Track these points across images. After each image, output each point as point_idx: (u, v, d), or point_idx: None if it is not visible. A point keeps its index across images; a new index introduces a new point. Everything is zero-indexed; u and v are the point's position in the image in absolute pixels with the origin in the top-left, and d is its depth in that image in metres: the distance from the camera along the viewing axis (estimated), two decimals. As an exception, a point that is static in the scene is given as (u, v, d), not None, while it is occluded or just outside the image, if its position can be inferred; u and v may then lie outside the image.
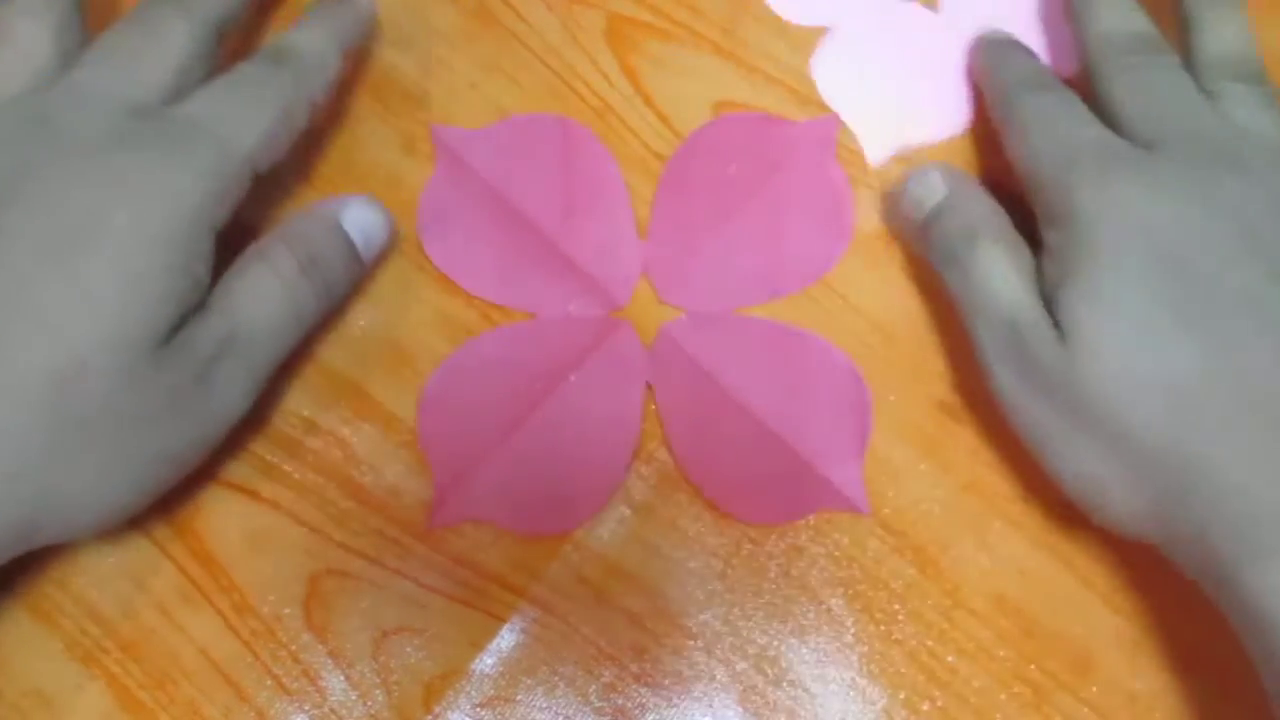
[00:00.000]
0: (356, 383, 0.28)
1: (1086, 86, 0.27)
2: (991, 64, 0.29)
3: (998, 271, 0.25)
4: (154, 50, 0.25)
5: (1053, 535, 0.28)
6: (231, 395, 0.25)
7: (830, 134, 0.31)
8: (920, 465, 0.28)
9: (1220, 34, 0.27)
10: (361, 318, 0.29)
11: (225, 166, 0.24)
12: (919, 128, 0.31)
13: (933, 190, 0.27)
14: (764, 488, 0.28)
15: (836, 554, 0.27)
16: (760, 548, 0.27)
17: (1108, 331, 0.23)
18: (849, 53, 0.31)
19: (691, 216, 0.30)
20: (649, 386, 0.28)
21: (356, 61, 0.30)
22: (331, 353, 0.28)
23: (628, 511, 0.28)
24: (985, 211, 0.26)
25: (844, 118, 0.31)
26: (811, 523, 0.28)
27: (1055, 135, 0.26)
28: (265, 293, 0.25)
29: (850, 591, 0.27)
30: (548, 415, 0.28)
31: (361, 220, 0.27)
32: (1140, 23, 0.27)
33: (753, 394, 0.28)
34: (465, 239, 0.29)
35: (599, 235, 0.29)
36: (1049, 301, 0.24)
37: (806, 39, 0.32)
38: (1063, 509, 0.28)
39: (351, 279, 0.27)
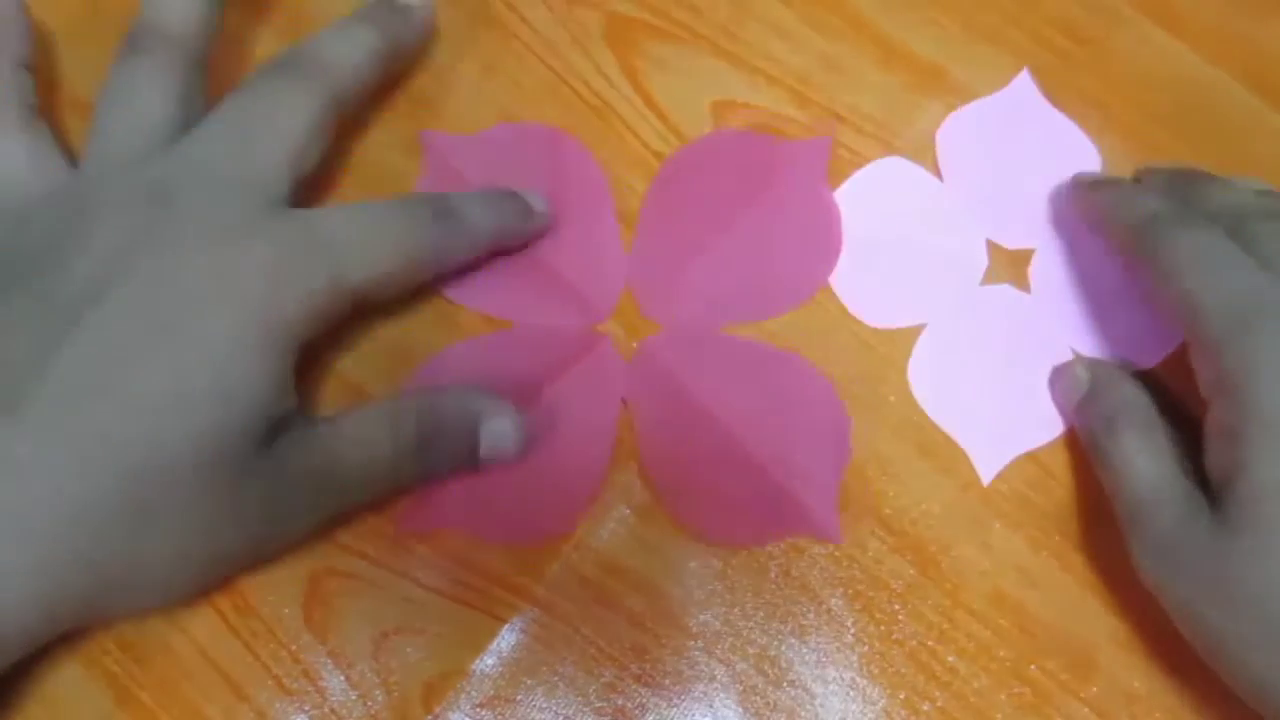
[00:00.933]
0: (356, 383, 0.28)
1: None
2: (1114, 200, 0.27)
3: (1136, 457, 0.24)
4: (275, 129, 0.25)
5: (1053, 535, 0.28)
6: (304, 521, 0.25)
7: (823, 155, 0.30)
8: (920, 465, 0.28)
9: None
10: (362, 317, 0.29)
11: (334, 293, 0.24)
12: (1030, 431, 0.29)
13: (1078, 384, 0.27)
14: (735, 509, 0.27)
15: (836, 554, 0.27)
16: (760, 548, 0.27)
17: None
18: (945, 355, 0.29)
19: (678, 232, 0.30)
20: (624, 403, 0.28)
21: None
22: (332, 353, 0.28)
23: (628, 511, 0.28)
24: (1125, 397, 0.26)
25: (950, 432, 0.28)
26: (811, 523, 0.28)
27: (1219, 284, 0.23)
28: (375, 453, 0.24)
29: (850, 591, 0.27)
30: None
31: (498, 433, 0.26)
32: (1259, 185, 0.26)
33: (730, 414, 0.28)
34: None
35: (583, 247, 0.29)
36: (1219, 485, 0.22)
37: (808, 38, 0.32)
38: (1062, 509, 0.28)
39: (455, 472, 0.26)
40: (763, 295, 0.29)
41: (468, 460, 0.26)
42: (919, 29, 0.32)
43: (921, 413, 0.29)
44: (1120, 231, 0.26)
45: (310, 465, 0.24)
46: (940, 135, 0.31)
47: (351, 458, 0.24)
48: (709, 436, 0.28)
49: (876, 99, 0.31)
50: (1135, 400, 0.26)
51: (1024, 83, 0.32)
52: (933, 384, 0.29)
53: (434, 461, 0.26)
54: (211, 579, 0.25)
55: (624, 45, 0.32)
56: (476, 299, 0.29)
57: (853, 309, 0.29)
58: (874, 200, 0.30)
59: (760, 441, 0.28)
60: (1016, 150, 0.31)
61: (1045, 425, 0.29)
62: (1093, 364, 0.28)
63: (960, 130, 0.31)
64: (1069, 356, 0.29)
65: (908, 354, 0.29)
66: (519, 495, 0.27)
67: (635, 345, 0.29)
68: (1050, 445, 0.29)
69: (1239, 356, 0.22)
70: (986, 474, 0.28)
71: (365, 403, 0.26)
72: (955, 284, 0.30)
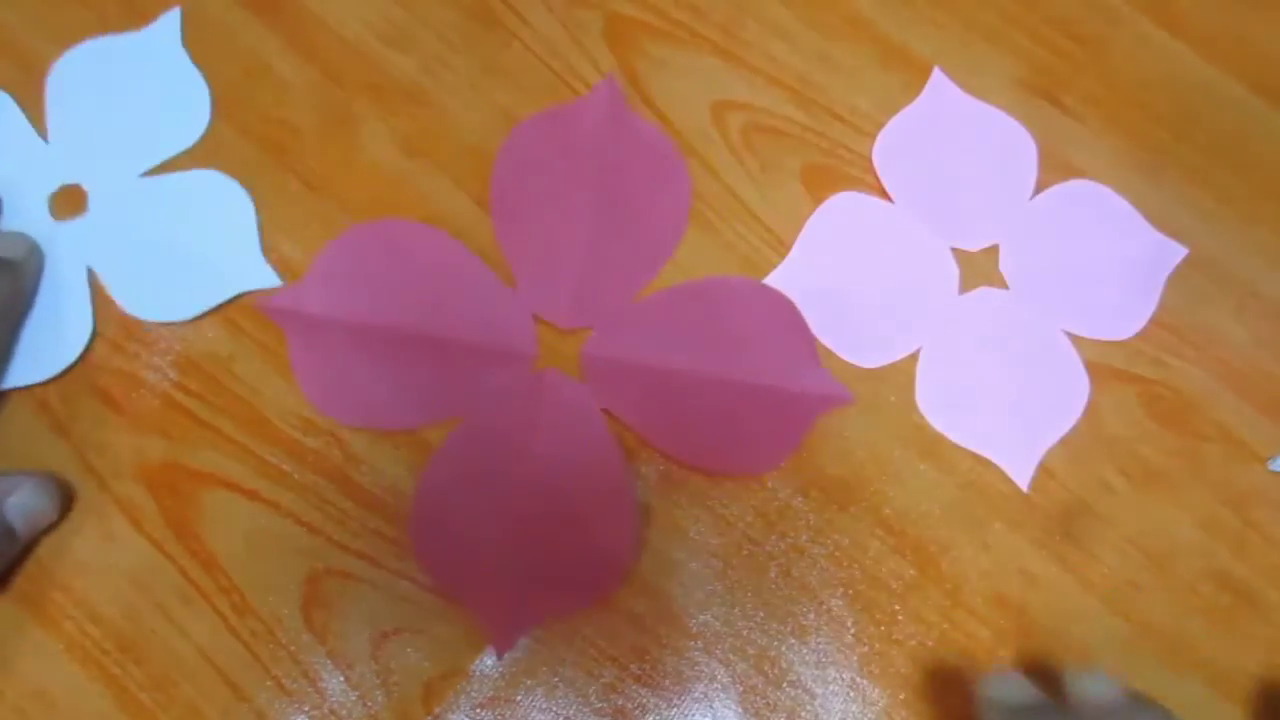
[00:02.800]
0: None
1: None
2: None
3: None
4: None
5: (1053, 535, 0.28)
6: None
7: (615, 91, 0.30)
8: (920, 465, 0.28)
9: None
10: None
11: None
12: (1049, 423, 0.29)
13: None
14: (758, 434, 0.28)
15: (836, 554, 0.27)
16: (760, 548, 0.27)
17: None
18: (948, 376, 0.29)
19: (542, 240, 0.29)
20: (605, 413, 0.28)
21: (357, 61, 0.31)
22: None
23: (628, 512, 0.28)
24: None
25: (977, 451, 0.28)
26: (812, 523, 0.28)
27: None
28: None
29: (850, 591, 0.27)
30: (536, 494, 0.27)
31: (25, 506, 0.25)
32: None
33: (694, 359, 0.28)
34: (358, 389, 0.28)
35: (477, 308, 0.28)
36: None
37: (808, 38, 0.32)
38: (1063, 509, 0.28)
39: (7, 561, 0.26)
40: (649, 245, 0.29)
41: (11, 544, 0.25)
42: (919, 29, 0.32)
43: (921, 414, 0.29)
44: None
45: None
46: (876, 156, 0.31)
47: None
48: (691, 390, 0.28)
49: (876, 99, 0.31)
50: None
51: (940, 81, 0.32)
52: (945, 409, 0.29)
53: None
54: None
55: (624, 45, 0.31)
56: (419, 416, 0.28)
57: (847, 357, 0.29)
58: (833, 244, 0.30)
59: (732, 365, 0.28)
60: (953, 150, 0.31)
61: (1061, 413, 0.29)
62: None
63: (894, 146, 0.31)
64: (1063, 340, 0.30)
65: (908, 360, 0.29)
66: (577, 551, 0.27)
67: (579, 358, 0.28)
68: (1051, 446, 0.29)
69: None
70: (1023, 481, 0.28)
71: None
72: (936, 302, 0.30)
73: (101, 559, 0.26)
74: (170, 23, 0.31)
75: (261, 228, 0.29)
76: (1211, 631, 0.28)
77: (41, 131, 0.29)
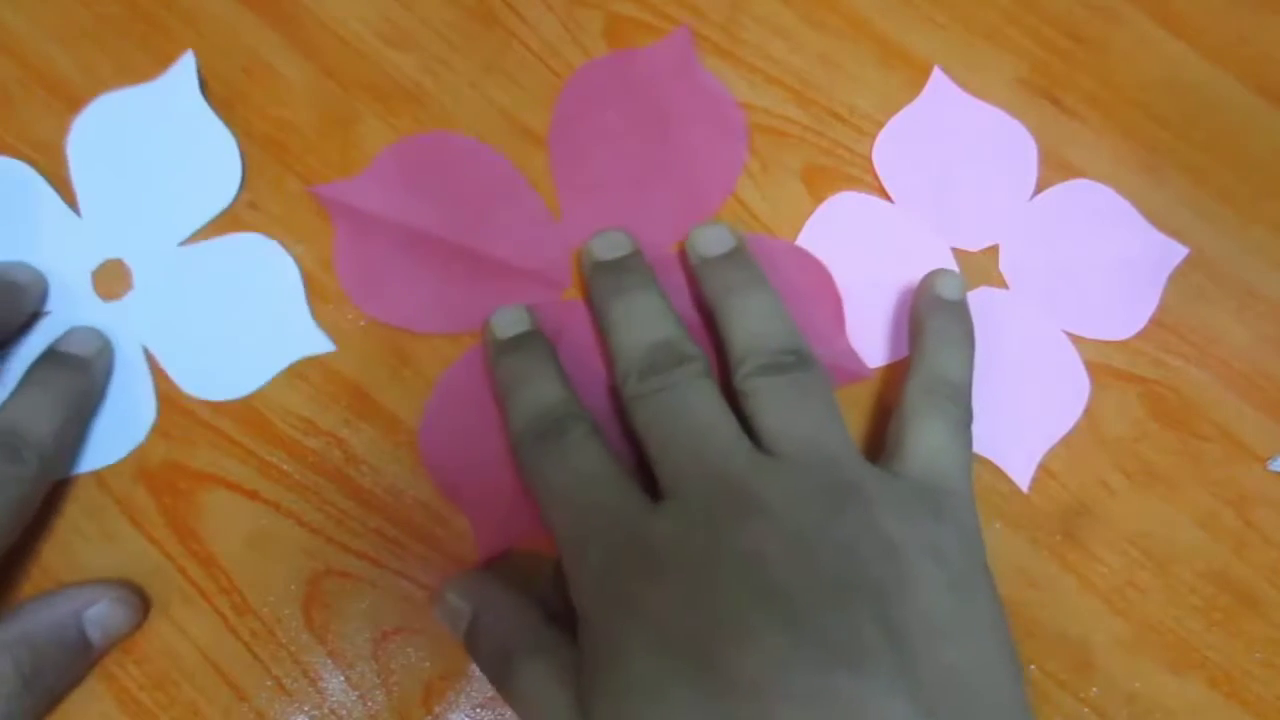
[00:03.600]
0: (356, 383, 0.28)
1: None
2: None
3: (540, 690, 0.23)
4: None
5: (1053, 535, 0.28)
6: None
7: (685, 43, 0.30)
8: (920, 465, 0.28)
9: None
10: (362, 317, 0.29)
11: None
12: (1049, 424, 0.29)
13: (458, 616, 0.25)
14: None
15: (836, 554, 0.27)
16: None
17: None
18: None
19: (593, 177, 0.30)
20: None
21: (357, 60, 0.31)
22: (332, 353, 0.28)
23: (628, 512, 0.28)
24: (513, 626, 0.24)
25: (979, 452, 0.28)
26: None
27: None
28: None
29: (850, 592, 0.27)
30: None
31: (103, 619, 0.25)
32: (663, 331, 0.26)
33: None
34: (396, 286, 0.28)
35: (518, 229, 0.29)
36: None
37: (808, 38, 0.32)
38: (1063, 509, 0.28)
39: (81, 675, 0.25)
40: (695, 197, 0.30)
41: (86, 658, 0.25)
42: (918, 28, 0.32)
43: (921, 413, 0.29)
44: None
45: None
46: (876, 156, 0.31)
47: None
48: (712, 347, 0.28)
49: (876, 98, 0.31)
50: (524, 626, 0.24)
51: (940, 81, 0.32)
52: None
53: (51, 688, 0.24)
54: None
55: (624, 45, 0.31)
56: (447, 323, 0.28)
57: None
58: (834, 244, 0.30)
59: None
60: (953, 150, 0.31)
61: (1062, 413, 0.29)
62: (468, 592, 0.25)
63: (894, 146, 0.31)
64: (1063, 341, 0.29)
65: (908, 360, 0.29)
66: None
67: None
68: (1051, 446, 0.29)
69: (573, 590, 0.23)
70: (1023, 481, 0.28)
71: None
72: None
73: (101, 559, 0.26)
74: (186, 69, 0.29)
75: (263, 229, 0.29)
76: (1211, 631, 0.28)
77: (72, 204, 0.28)
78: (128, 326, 0.28)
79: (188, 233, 0.28)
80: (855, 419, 0.29)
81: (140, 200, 0.28)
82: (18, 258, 0.27)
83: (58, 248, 0.28)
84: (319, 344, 0.28)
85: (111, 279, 0.28)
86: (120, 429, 0.27)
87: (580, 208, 0.29)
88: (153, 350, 0.27)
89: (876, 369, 0.29)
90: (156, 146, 0.29)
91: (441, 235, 0.29)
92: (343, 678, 0.26)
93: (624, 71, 0.30)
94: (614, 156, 0.30)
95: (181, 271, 0.28)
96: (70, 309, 0.27)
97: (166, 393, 0.28)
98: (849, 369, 0.28)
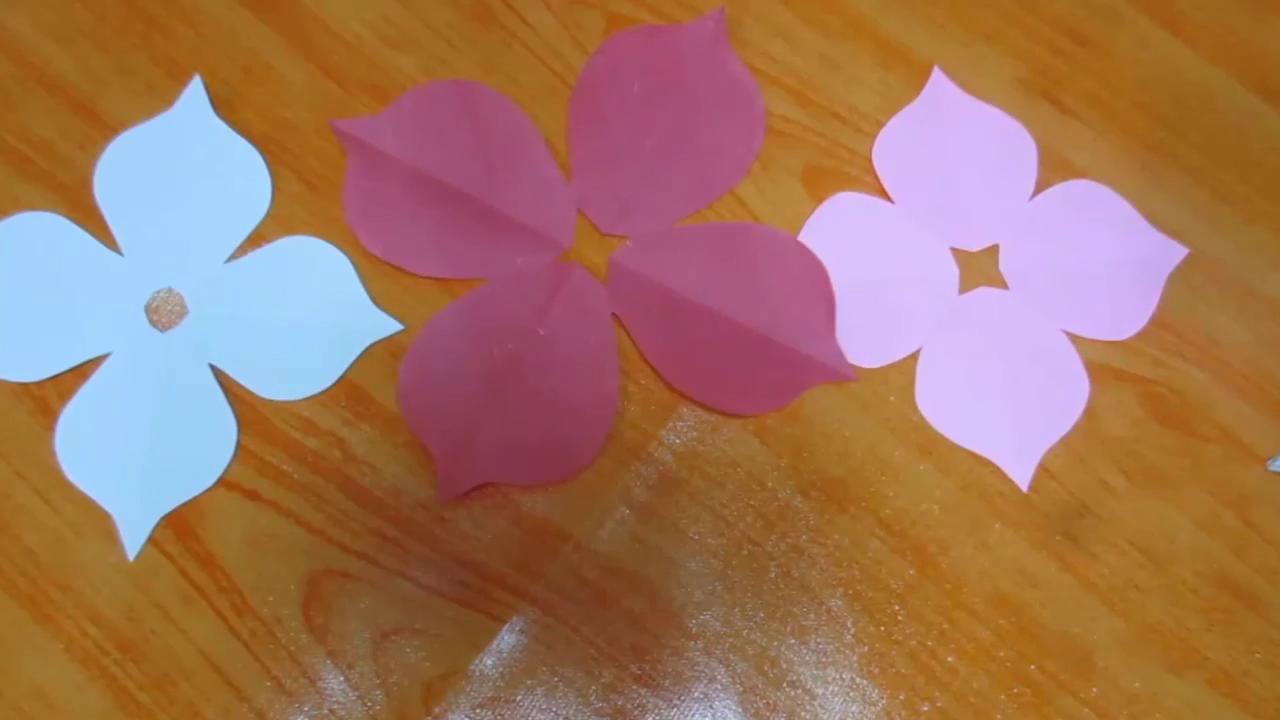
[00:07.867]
0: (356, 384, 0.28)
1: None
2: None
3: None
4: None
5: (1053, 535, 0.28)
6: None
7: (720, 26, 0.31)
8: (920, 465, 0.28)
9: None
10: (361, 318, 0.29)
11: None
12: (1049, 424, 0.29)
13: None
14: (753, 381, 0.28)
15: (836, 554, 0.27)
16: (760, 548, 0.27)
17: None
18: (947, 376, 0.29)
19: (609, 145, 0.30)
20: (616, 318, 0.29)
21: (357, 60, 0.31)
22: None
23: (628, 511, 0.28)
24: None
25: (978, 451, 0.28)
26: (812, 523, 0.28)
27: None
28: None
29: (850, 592, 0.27)
30: (527, 371, 0.28)
31: None
32: None
33: (716, 296, 0.28)
34: (399, 225, 0.29)
35: (527, 186, 0.29)
36: None
37: (808, 38, 0.32)
38: (1063, 509, 0.28)
39: None
40: (706, 178, 0.30)
41: None
42: (919, 29, 0.32)
43: (921, 414, 0.29)
44: None
45: None
46: (876, 156, 0.31)
47: None
48: (705, 323, 0.28)
49: (876, 99, 0.31)
50: None
51: (940, 81, 0.32)
52: (945, 409, 0.29)
53: None
54: None
55: (624, 45, 0.31)
56: (444, 267, 0.29)
57: (847, 357, 0.29)
58: (835, 243, 0.30)
59: (751, 312, 0.28)
60: (953, 150, 0.31)
61: (1061, 414, 0.29)
62: None
63: (894, 146, 0.31)
64: (1063, 340, 0.29)
65: (908, 360, 0.29)
66: (545, 434, 0.27)
67: (607, 263, 0.29)
68: (1050, 446, 0.29)
69: None
70: (1023, 481, 0.28)
71: None
72: (936, 302, 0.30)
73: (101, 559, 0.26)
74: (196, 93, 0.30)
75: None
76: (1211, 631, 0.28)
77: (111, 244, 0.28)
78: (191, 350, 0.28)
79: (231, 248, 0.28)
80: (831, 422, 0.29)
81: (179, 227, 0.28)
82: (69, 307, 0.27)
83: (107, 290, 0.28)
84: (386, 326, 0.28)
85: (165, 309, 0.28)
86: (208, 450, 0.27)
87: (592, 171, 0.30)
88: (221, 366, 0.28)
89: (861, 370, 0.29)
90: (183, 173, 0.29)
91: (449, 182, 0.29)
92: (342, 678, 0.26)
93: (656, 45, 0.31)
94: (633, 127, 0.30)
95: (234, 287, 0.28)
96: (131, 346, 0.28)
97: (166, 393, 0.27)
98: (833, 369, 0.28)
